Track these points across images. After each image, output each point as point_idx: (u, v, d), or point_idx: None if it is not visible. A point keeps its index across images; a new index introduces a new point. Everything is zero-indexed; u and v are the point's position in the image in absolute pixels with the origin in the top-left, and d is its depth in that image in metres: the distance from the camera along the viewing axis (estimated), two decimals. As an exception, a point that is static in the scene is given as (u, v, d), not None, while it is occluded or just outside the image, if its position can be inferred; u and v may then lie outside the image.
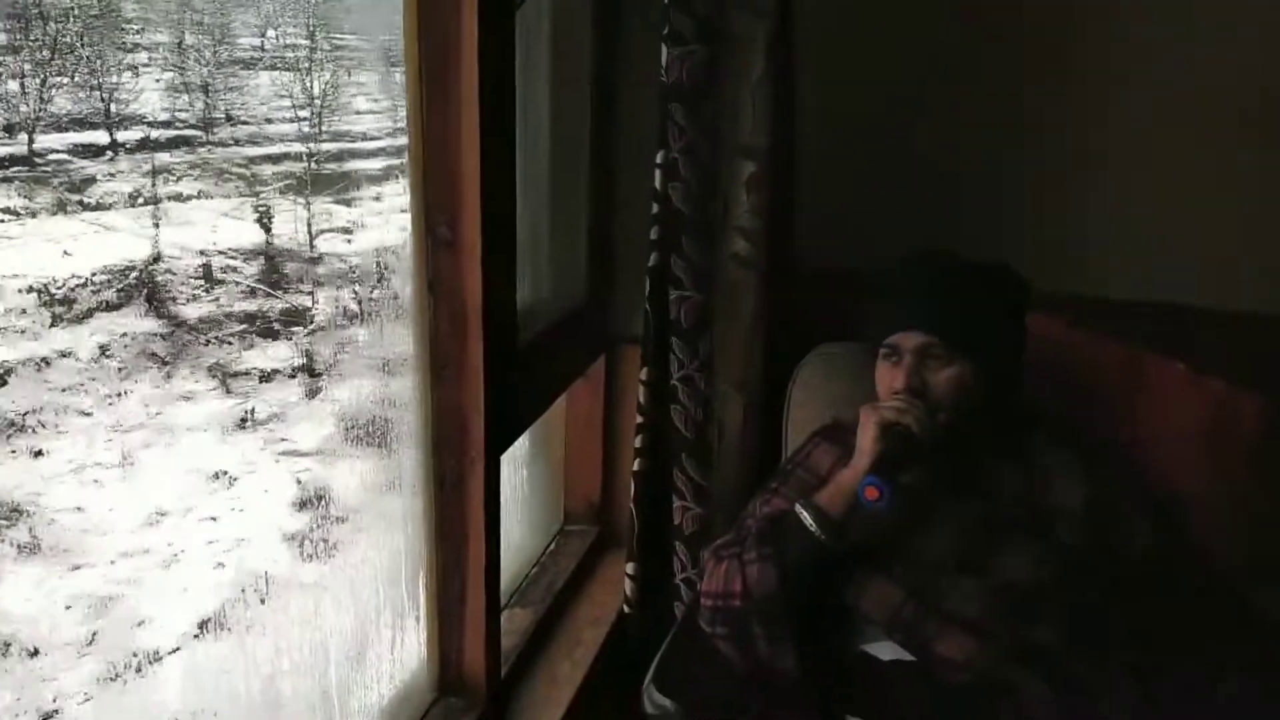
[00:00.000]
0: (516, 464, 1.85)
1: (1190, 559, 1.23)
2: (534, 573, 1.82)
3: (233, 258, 8.80)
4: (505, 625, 1.65)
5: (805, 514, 1.16)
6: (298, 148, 9.65)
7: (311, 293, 8.58)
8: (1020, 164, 1.71)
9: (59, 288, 7.84)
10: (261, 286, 8.57)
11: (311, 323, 8.27)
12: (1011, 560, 1.15)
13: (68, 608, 4.92)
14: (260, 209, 9.14)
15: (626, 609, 1.75)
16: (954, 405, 1.20)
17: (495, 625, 1.45)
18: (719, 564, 1.20)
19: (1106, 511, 1.19)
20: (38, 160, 8.76)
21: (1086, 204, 1.68)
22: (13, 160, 8.60)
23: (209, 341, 8.02)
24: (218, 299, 8.41)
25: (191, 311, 8.25)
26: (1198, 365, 1.38)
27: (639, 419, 1.67)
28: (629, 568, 1.73)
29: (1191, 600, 1.21)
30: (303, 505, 6.07)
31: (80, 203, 8.73)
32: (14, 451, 6.41)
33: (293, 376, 7.72)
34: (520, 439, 1.83)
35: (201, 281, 8.53)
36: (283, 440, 6.93)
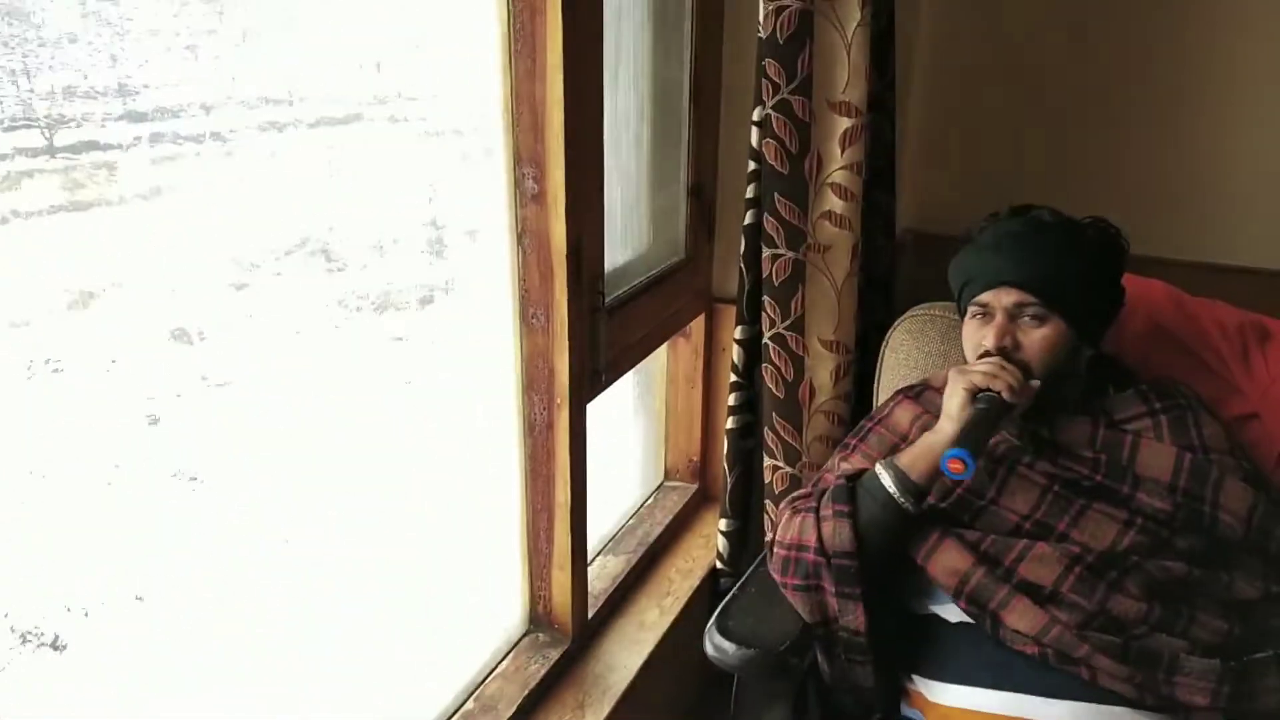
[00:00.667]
0: (616, 418, 1.90)
1: None
2: (630, 524, 1.87)
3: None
4: (597, 570, 1.72)
5: (885, 475, 1.15)
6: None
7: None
8: (1140, 127, 1.62)
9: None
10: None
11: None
12: (1093, 527, 1.11)
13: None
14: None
15: (718, 564, 1.78)
16: (1046, 367, 1.16)
17: (581, 567, 1.52)
18: (795, 515, 1.21)
19: (1198, 480, 1.12)
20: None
21: (1202, 168, 1.58)
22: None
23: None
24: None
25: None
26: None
27: (733, 377, 1.70)
28: (721, 524, 1.76)
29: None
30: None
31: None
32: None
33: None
34: (623, 393, 1.89)
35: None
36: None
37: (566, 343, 1.34)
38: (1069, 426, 1.18)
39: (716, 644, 1.13)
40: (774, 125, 1.46)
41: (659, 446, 2.00)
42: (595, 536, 1.79)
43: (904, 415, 1.28)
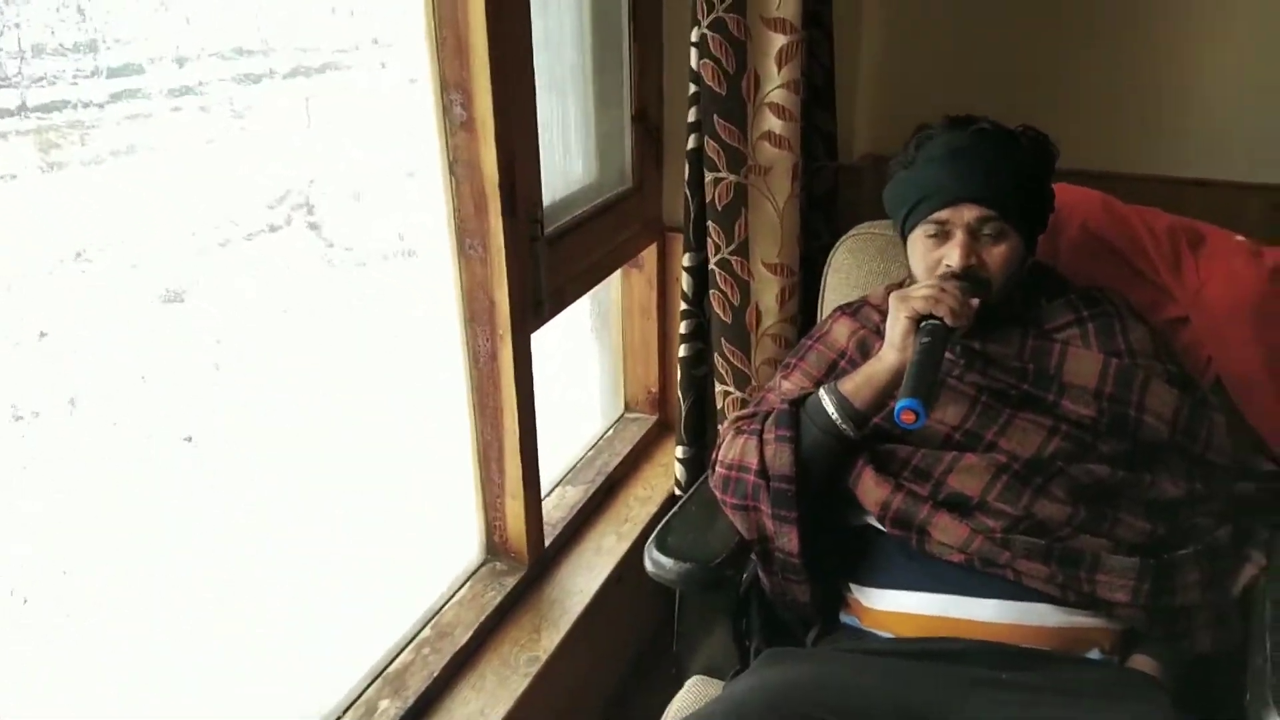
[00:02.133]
0: (574, 351, 1.91)
1: (1217, 439, 1.16)
2: (589, 455, 1.89)
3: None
4: (556, 500, 1.74)
5: (828, 401, 1.14)
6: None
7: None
8: (1084, 42, 1.61)
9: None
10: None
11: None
12: (1020, 435, 1.12)
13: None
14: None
15: (677, 491, 1.81)
16: (1005, 282, 1.15)
17: (535, 496, 1.53)
18: (738, 436, 1.21)
19: (1123, 385, 1.14)
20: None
21: (1161, 78, 1.58)
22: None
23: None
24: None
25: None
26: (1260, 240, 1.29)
27: (683, 305, 1.70)
28: (678, 451, 1.78)
29: (1217, 481, 1.15)
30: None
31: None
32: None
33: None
34: (580, 326, 1.89)
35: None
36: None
37: (504, 273, 1.34)
38: (999, 338, 1.18)
39: (654, 559, 1.15)
40: (710, 45, 1.44)
41: (618, 378, 2.01)
42: (555, 468, 1.81)
43: (841, 331, 1.29)
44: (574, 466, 1.85)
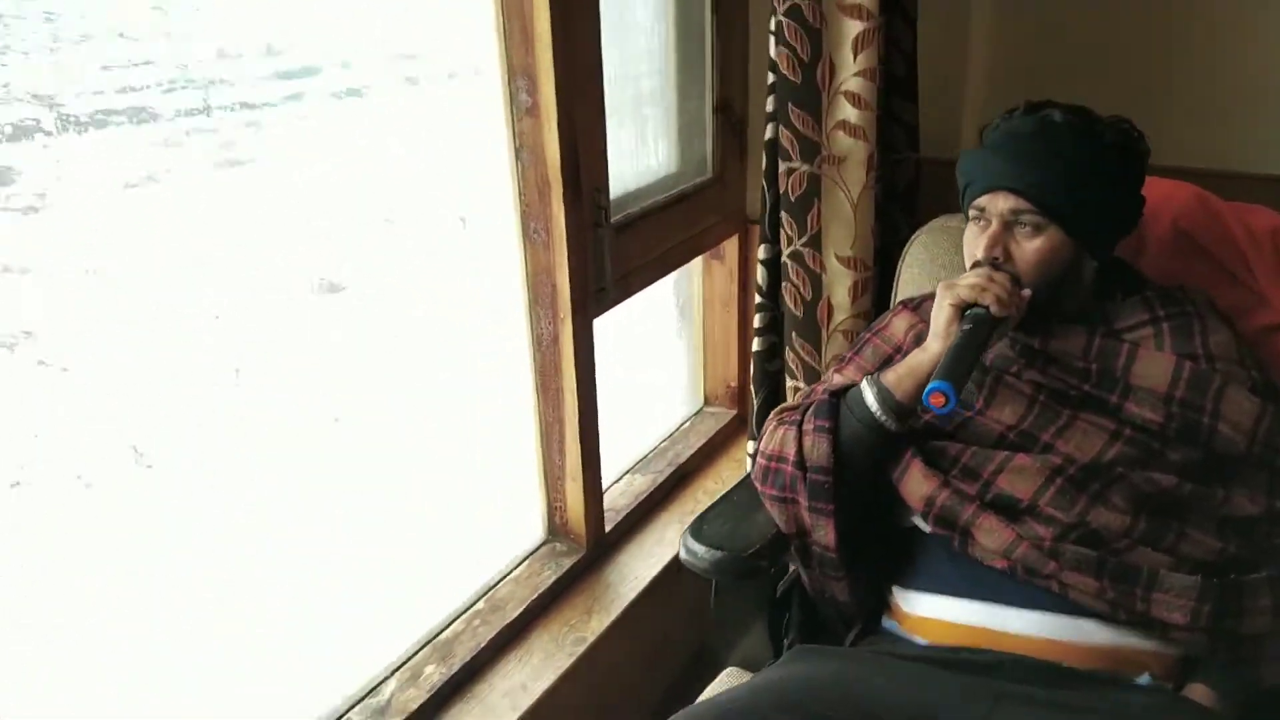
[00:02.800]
0: (656, 342, 1.92)
1: None
2: (662, 446, 1.89)
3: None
4: (624, 487, 1.75)
5: (869, 392, 1.10)
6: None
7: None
8: (1185, 39, 1.50)
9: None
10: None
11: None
12: (1079, 438, 1.06)
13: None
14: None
15: (747, 486, 1.79)
16: (1038, 280, 1.09)
17: (594, 479, 1.55)
18: (779, 427, 1.19)
19: (1197, 389, 1.05)
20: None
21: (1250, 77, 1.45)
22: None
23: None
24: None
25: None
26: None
27: (757, 298, 1.68)
28: (749, 446, 1.76)
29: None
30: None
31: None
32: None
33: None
34: (664, 317, 1.90)
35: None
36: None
37: (565, 257, 1.36)
38: (1063, 335, 1.12)
39: (688, 546, 1.14)
40: (786, 32, 1.42)
41: (697, 371, 2.00)
42: (627, 457, 1.82)
43: (900, 325, 1.25)
44: (645, 456, 1.85)
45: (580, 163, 1.34)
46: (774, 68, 1.47)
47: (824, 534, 1.11)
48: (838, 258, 1.52)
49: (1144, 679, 0.99)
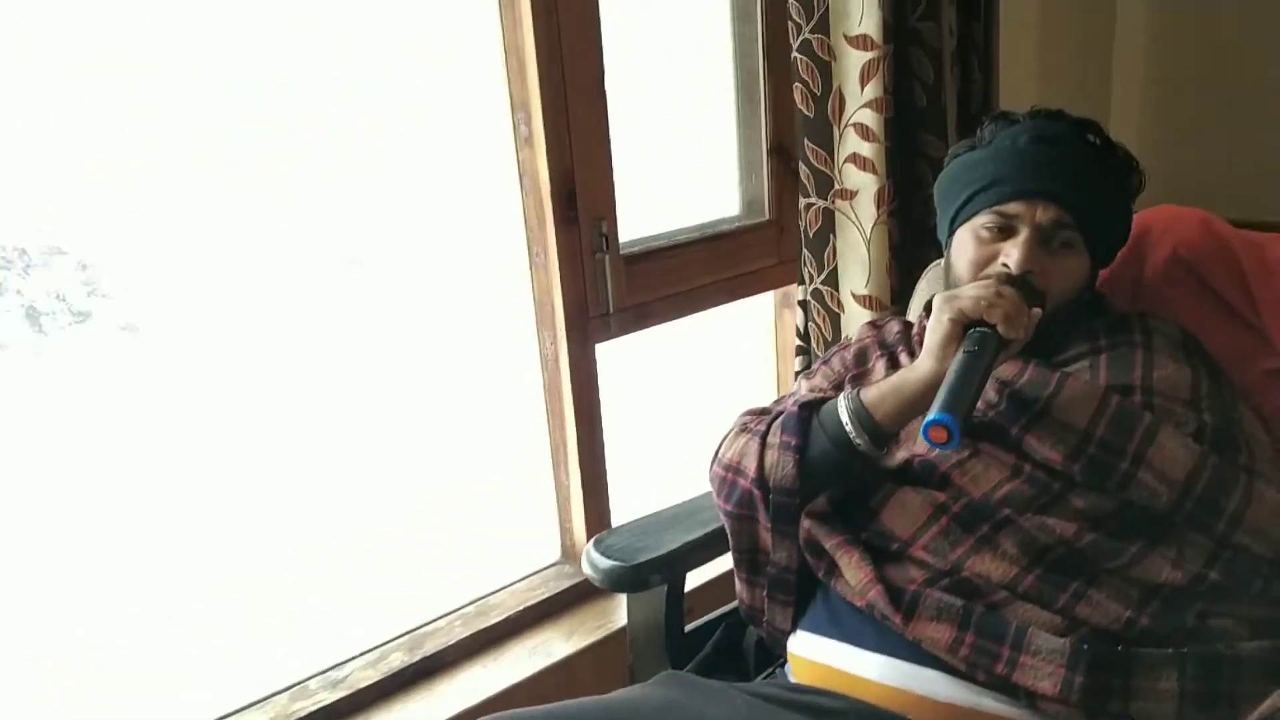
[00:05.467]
0: (738, 380, 1.90)
1: (1256, 519, 0.87)
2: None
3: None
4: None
5: (844, 408, 0.98)
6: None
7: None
8: None
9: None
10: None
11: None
12: (977, 472, 0.94)
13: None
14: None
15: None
16: (1063, 302, 1.00)
17: (596, 504, 1.56)
18: (740, 434, 1.09)
19: (1120, 428, 0.91)
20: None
21: None
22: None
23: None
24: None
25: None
26: None
27: (796, 341, 1.64)
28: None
29: (1251, 574, 0.86)
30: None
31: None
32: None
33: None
34: (749, 356, 1.88)
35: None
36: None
37: (558, 280, 1.42)
38: (1058, 366, 1.00)
39: (588, 555, 1.14)
40: (800, 68, 1.42)
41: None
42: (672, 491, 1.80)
43: (865, 333, 1.18)
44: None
45: (578, 190, 1.41)
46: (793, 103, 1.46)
47: (786, 555, 1.02)
48: (854, 296, 1.46)
49: (1008, 754, 0.85)
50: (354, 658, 1.39)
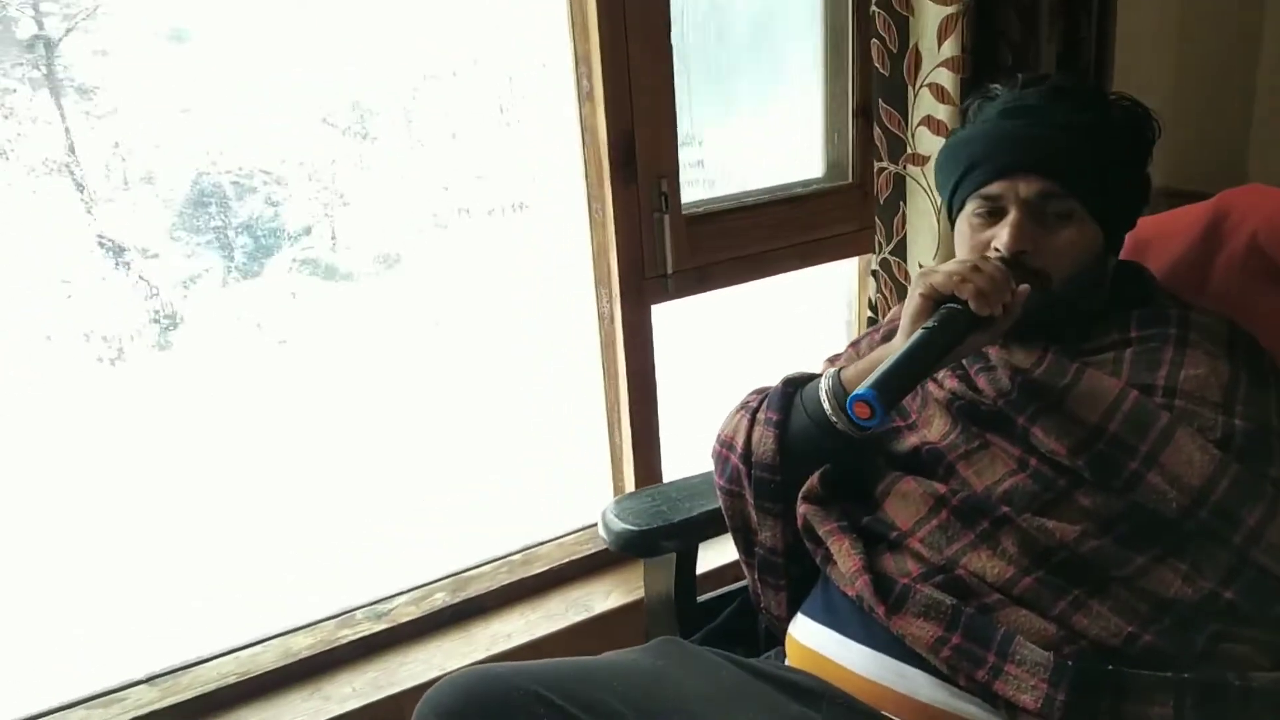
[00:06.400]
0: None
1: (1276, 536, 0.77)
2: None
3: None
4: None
5: (824, 385, 0.98)
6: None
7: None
8: None
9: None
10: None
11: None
12: (983, 464, 0.89)
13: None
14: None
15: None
16: (1070, 275, 0.92)
17: (647, 461, 1.56)
18: (737, 412, 1.09)
19: (1134, 426, 0.83)
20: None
21: None
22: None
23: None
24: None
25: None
26: None
27: (867, 313, 1.58)
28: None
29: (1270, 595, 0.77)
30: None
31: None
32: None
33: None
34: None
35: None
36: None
37: (613, 237, 1.41)
38: (1019, 347, 0.93)
39: (604, 518, 1.14)
40: (877, 22, 1.34)
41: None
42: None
43: (894, 316, 1.12)
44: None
45: (638, 147, 1.39)
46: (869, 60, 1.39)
47: (770, 535, 1.01)
48: (921, 267, 1.38)
49: (985, 763, 0.80)
50: (400, 593, 1.45)
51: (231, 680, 1.30)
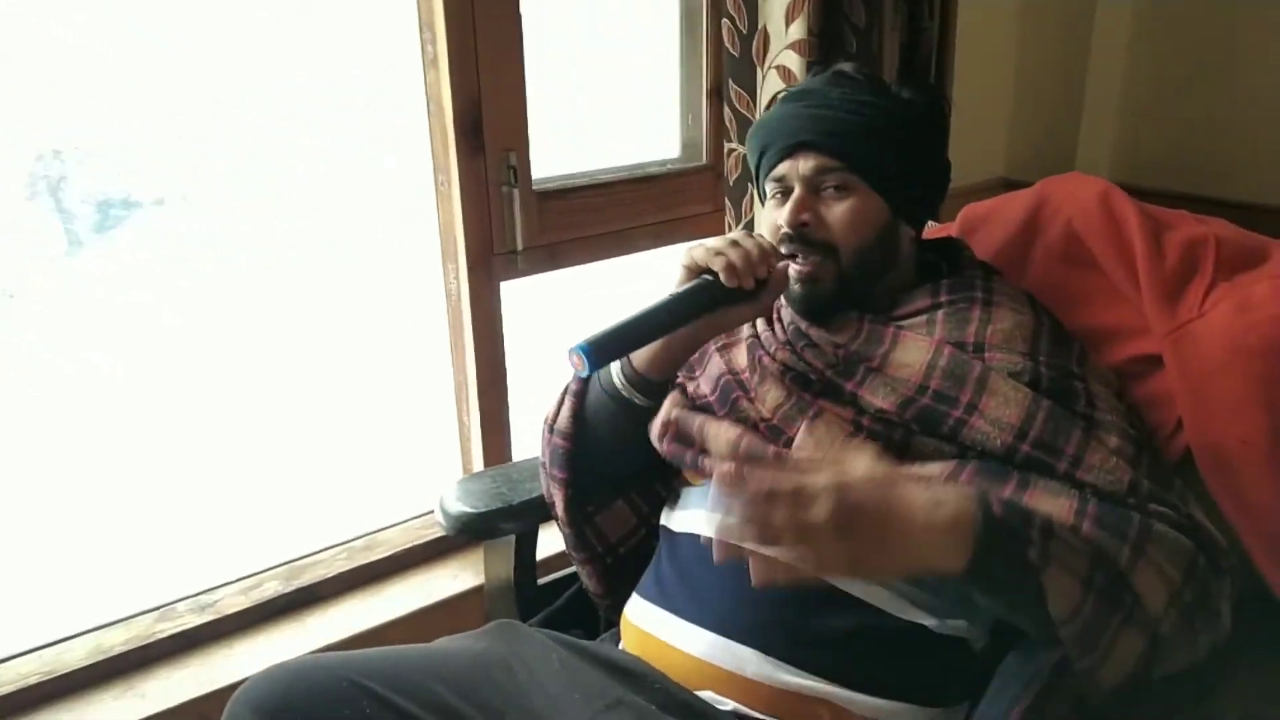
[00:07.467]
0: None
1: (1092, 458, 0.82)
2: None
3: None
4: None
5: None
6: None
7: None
8: None
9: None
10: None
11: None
12: (821, 431, 0.89)
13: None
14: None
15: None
16: (854, 248, 0.95)
17: (496, 444, 1.52)
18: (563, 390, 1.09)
19: (953, 378, 0.88)
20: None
21: None
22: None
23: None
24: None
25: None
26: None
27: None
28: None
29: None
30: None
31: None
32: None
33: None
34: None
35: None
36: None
37: (459, 210, 1.37)
38: (834, 321, 0.96)
39: (441, 502, 1.10)
40: (728, 3, 1.34)
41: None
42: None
43: None
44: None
45: (484, 118, 1.34)
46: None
47: (558, 504, 1.02)
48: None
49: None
50: (227, 584, 1.37)
51: (34, 680, 1.20)
